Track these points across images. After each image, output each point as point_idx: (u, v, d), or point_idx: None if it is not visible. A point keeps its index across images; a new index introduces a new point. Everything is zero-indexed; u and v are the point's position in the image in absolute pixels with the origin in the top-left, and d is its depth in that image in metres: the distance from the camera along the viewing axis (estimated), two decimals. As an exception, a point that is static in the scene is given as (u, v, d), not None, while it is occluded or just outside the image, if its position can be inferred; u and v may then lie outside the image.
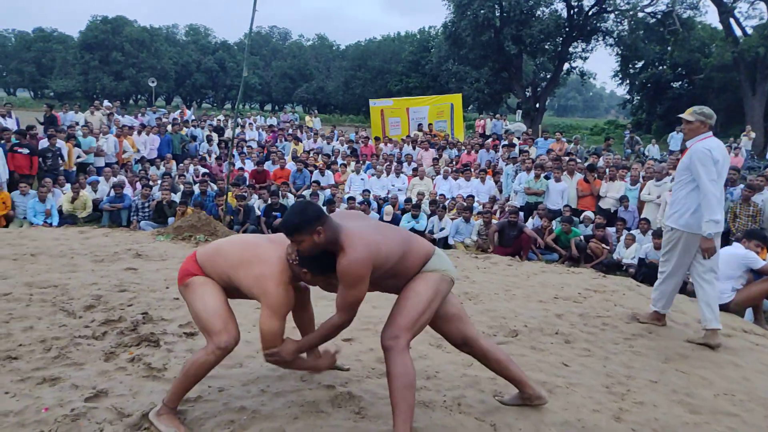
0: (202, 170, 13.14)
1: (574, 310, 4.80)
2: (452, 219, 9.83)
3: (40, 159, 10.99)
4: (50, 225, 9.63)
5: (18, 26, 61.09)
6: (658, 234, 7.04)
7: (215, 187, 10.76)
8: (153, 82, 33.53)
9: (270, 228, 9.90)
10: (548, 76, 34.25)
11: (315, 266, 2.72)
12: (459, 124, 17.76)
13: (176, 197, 10.32)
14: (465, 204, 10.17)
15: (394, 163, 12.68)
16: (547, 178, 10.09)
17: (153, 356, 3.54)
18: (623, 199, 9.46)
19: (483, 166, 13.16)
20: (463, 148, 14.50)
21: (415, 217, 9.78)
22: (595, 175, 9.88)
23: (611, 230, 8.87)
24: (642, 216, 8.93)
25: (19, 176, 10.15)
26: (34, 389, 3.05)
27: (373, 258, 2.60)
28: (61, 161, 11.35)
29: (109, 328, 3.89)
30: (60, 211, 10.08)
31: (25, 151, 10.36)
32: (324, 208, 2.91)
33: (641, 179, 9.72)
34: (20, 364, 3.32)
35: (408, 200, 10.37)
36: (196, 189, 10.76)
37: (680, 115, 4.36)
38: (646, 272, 7.27)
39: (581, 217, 9.36)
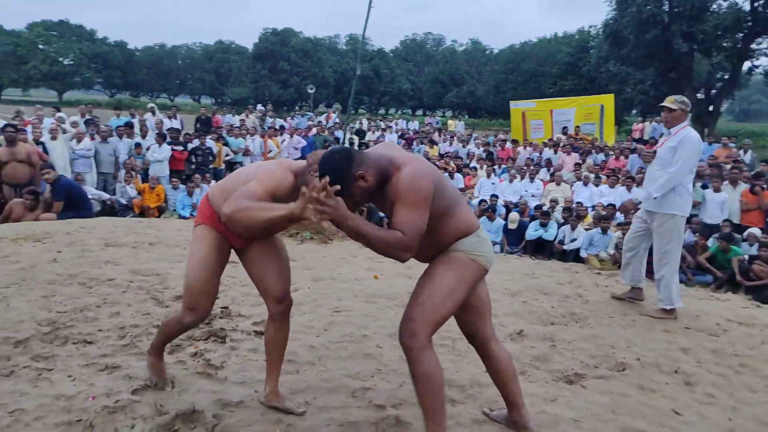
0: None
1: (706, 344, 3.95)
2: (586, 229, 8.92)
3: (192, 156, 11.97)
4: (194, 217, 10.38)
5: (204, 40, 68.68)
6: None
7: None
8: (312, 89, 35.44)
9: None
10: (725, 77, 30.44)
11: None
12: (609, 127, 16.30)
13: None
14: (604, 213, 9.18)
15: (531, 167, 11.92)
16: (704, 187, 8.77)
17: (215, 352, 3.46)
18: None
19: (633, 172, 11.89)
20: (611, 152, 13.22)
21: (543, 225, 9.02)
22: (765, 186, 8.36)
23: (783, 252, 7.41)
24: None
25: (171, 171, 11.08)
26: (92, 375, 3.09)
27: (431, 183, 2.22)
28: (210, 159, 12.26)
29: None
30: (204, 205, 10.84)
31: (179, 148, 11.30)
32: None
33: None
34: (92, 349, 3.41)
35: (538, 206, 9.62)
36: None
37: (662, 104, 4.60)
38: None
39: (744, 234, 7.96)
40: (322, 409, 2.87)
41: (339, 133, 16.83)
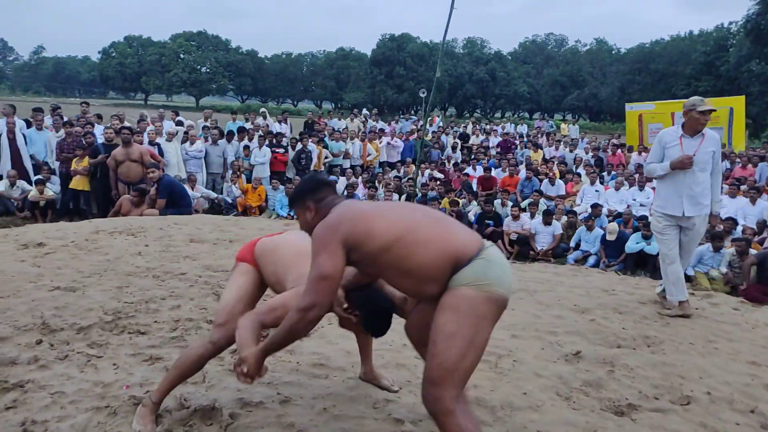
0: (438, 175, 13.37)
1: (801, 384, 3.38)
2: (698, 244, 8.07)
3: (295, 159, 12.45)
4: (292, 217, 10.77)
5: (327, 47, 71.67)
6: None
7: (434, 193, 10.78)
8: (423, 92, 35.46)
9: (481, 236, 9.51)
10: None
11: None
12: (739, 133, 14.66)
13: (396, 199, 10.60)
14: (721, 227, 8.28)
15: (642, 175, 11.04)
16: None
17: (253, 351, 3.51)
18: None
19: (762, 182, 10.64)
20: (738, 160, 11.91)
21: (646, 237, 8.29)
22: None
23: None
24: None
25: (272, 173, 11.58)
26: (135, 365, 3.26)
27: (346, 227, 2.10)
28: (311, 162, 12.67)
29: (237, 317, 4.01)
30: (301, 206, 11.22)
31: (281, 150, 11.80)
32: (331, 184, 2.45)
33: None
34: (142, 340, 3.59)
35: (642, 217, 8.87)
36: (419, 192, 10.95)
37: (703, 109, 4.50)
38: None
39: None
40: (337, 417, 2.80)
41: (444, 138, 16.76)
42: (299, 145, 12.50)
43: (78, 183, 9.63)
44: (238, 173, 11.25)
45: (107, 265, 4.98)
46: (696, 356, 3.74)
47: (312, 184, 2.34)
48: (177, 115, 13.76)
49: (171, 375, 2.69)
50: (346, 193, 11.23)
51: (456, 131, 17.46)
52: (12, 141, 10.11)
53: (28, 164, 10.28)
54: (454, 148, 15.96)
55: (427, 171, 13.53)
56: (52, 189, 10.00)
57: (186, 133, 11.41)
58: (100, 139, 9.83)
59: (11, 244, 5.50)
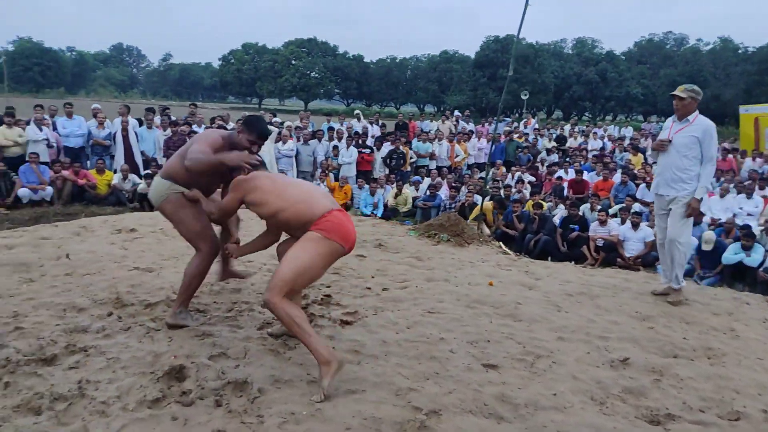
0: (529, 178, 13.07)
1: None
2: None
3: (386, 159, 12.68)
4: (375, 215, 11.00)
5: (431, 51, 72.05)
6: None
7: (516, 194, 10.55)
8: (525, 95, 34.70)
9: (565, 241, 9.21)
10: None
11: None
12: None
13: (478, 200, 10.50)
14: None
15: (755, 182, 10.15)
16: None
17: (295, 335, 3.68)
18: None
19: None
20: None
21: (746, 248, 7.62)
22: None
23: None
24: None
25: (358, 172, 11.88)
26: (187, 339, 3.53)
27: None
28: (402, 162, 12.85)
29: (289, 303, 4.20)
30: (385, 205, 11.42)
31: (367, 150, 12.07)
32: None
33: None
34: (199, 317, 3.87)
35: (745, 226, 8.15)
36: (503, 194, 10.78)
37: (672, 93, 4.83)
38: None
39: None
40: (357, 401, 2.89)
41: (540, 141, 16.33)
42: (389, 145, 12.71)
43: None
44: (326, 172, 11.65)
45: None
46: (760, 372, 3.44)
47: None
48: (274, 116, 14.46)
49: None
50: (428, 193, 11.30)
51: (552, 133, 16.92)
52: (125, 138, 11.15)
53: (139, 160, 11.29)
54: (549, 151, 15.49)
55: (518, 173, 13.26)
56: (159, 183, 10.89)
57: (279, 133, 11.98)
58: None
59: (108, 229, 6.11)
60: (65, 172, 10.37)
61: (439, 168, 13.30)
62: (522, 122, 18.61)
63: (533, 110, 48.28)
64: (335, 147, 12.16)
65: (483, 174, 13.48)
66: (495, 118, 18.17)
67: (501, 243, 6.65)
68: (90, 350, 3.29)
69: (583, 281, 5.21)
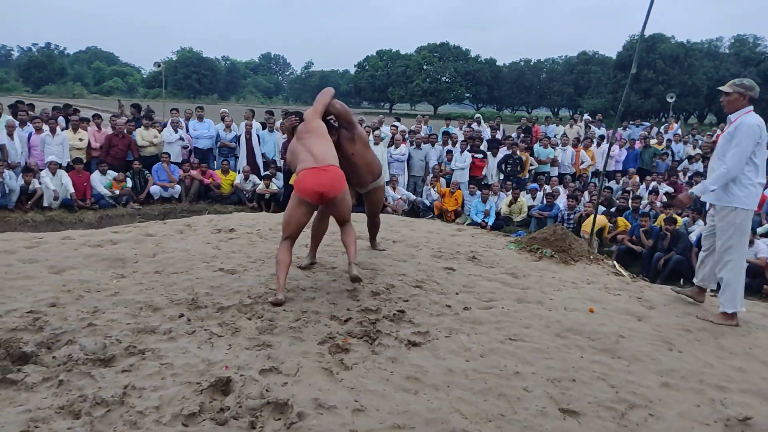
0: (665, 188, 11.82)
1: None
2: None
3: (502, 165, 12.12)
4: (485, 224, 10.50)
5: (569, 53, 68.52)
6: None
7: (647, 206, 9.51)
8: (671, 97, 31.68)
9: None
10: None
11: None
12: None
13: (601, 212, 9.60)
14: None
15: None
16: None
17: (356, 353, 3.42)
18: None
19: None
20: None
21: None
22: None
23: None
24: None
25: (470, 178, 11.42)
26: (244, 349, 3.40)
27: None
28: (519, 168, 12.20)
29: (361, 315, 3.96)
30: (498, 213, 10.86)
31: (479, 155, 11.58)
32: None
33: None
34: (265, 325, 3.74)
35: None
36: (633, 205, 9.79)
37: (719, 88, 4.46)
38: None
39: None
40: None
41: (678, 146, 14.79)
42: (505, 150, 12.12)
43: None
44: (438, 177, 11.33)
45: (275, 253, 5.32)
46: None
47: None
48: (398, 120, 14.40)
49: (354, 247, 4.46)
50: (545, 202, 10.57)
51: (698, 140, 15.19)
52: (248, 141, 11.66)
53: (260, 161, 11.75)
54: (691, 159, 13.92)
55: (653, 183, 12.04)
56: (277, 184, 11.26)
57: (392, 137, 11.87)
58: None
59: (209, 228, 6.28)
60: (193, 172, 11.05)
61: (561, 175, 12.46)
62: (663, 127, 16.95)
63: (681, 114, 44.25)
64: (449, 151, 11.80)
65: (615, 183, 12.44)
66: (631, 122, 16.75)
67: (615, 262, 5.90)
68: (147, 353, 3.27)
69: (707, 312, 4.42)
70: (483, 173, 11.66)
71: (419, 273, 4.99)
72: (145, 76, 78.38)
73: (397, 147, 11.54)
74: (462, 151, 11.57)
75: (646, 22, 6.34)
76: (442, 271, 5.10)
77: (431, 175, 11.55)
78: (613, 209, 10.05)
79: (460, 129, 14.20)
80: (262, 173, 11.47)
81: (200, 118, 11.90)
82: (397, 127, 13.49)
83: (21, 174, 9.46)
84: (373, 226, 5.47)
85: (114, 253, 5.10)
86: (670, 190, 11.75)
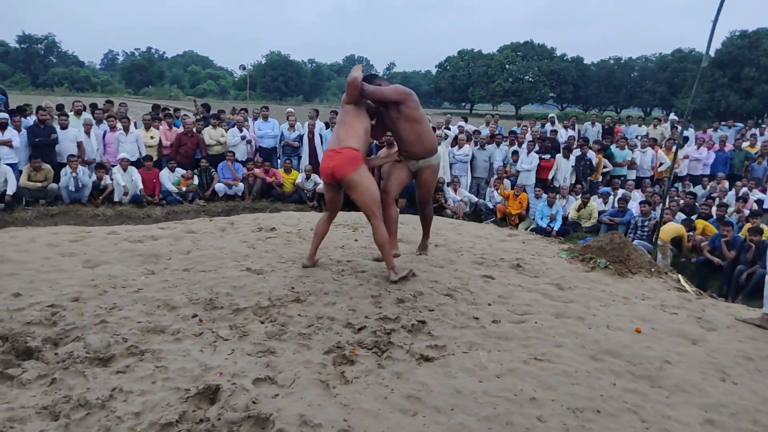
0: (758, 195, 10.75)
1: None
2: None
3: (574, 167, 11.47)
4: (551, 228, 9.94)
5: (662, 50, 64.42)
6: None
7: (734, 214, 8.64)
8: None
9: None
10: None
11: None
12: None
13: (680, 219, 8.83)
14: None
15: None
16: None
17: (361, 365, 3.18)
18: None
19: None
20: None
21: None
22: None
23: None
24: None
25: (537, 180, 10.86)
26: (245, 355, 3.25)
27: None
28: (590, 171, 11.50)
29: (377, 324, 3.72)
30: (565, 218, 10.26)
31: (547, 156, 10.98)
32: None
33: None
34: (275, 330, 3.58)
35: None
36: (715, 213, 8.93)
37: None
38: None
39: None
40: None
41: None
42: (577, 151, 11.44)
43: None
44: (501, 178, 10.86)
45: (305, 254, 5.18)
46: None
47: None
48: (465, 120, 13.99)
49: (384, 253, 4.56)
50: (617, 207, 9.87)
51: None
52: (311, 140, 11.68)
53: (321, 161, 11.73)
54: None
55: (743, 189, 10.97)
56: (336, 184, 11.19)
57: (455, 137, 11.50)
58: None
59: (251, 226, 6.25)
60: (257, 170, 11.19)
61: (639, 179, 11.63)
62: (759, 128, 15.46)
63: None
64: (515, 152, 11.29)
65: (701, 189, 11.45)
66: (723, 123, 15.40)
67: (680, 276, 5.31)
68: (147, 354, 3.19)
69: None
70: (550, 175, 11.03)
71: (453, 280, 4.68)
72: (236, 79, 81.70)
73: (460, 147, 11.17)
74: (528, 152, 11.02)
75: (718, 12, 5.68)
76: (479, 279, 4.75)
77: (495, 176, 11.08)
78: (694, 217, 9.20)
79: (530, 129, 13.58)
80: (324, 173, 11.45)
81: (265, 118, 12.05)
82: (462, 127, 13.09)
83: (94, 170, 9.94)
84: (425, 220, 5.22)
85: (150, 249, 5.15)
86: (763, 197, 10.65)
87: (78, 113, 10.90)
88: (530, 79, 63.39)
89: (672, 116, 16.08)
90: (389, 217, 4.79)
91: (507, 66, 63.73)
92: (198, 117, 12.23)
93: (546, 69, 62.61)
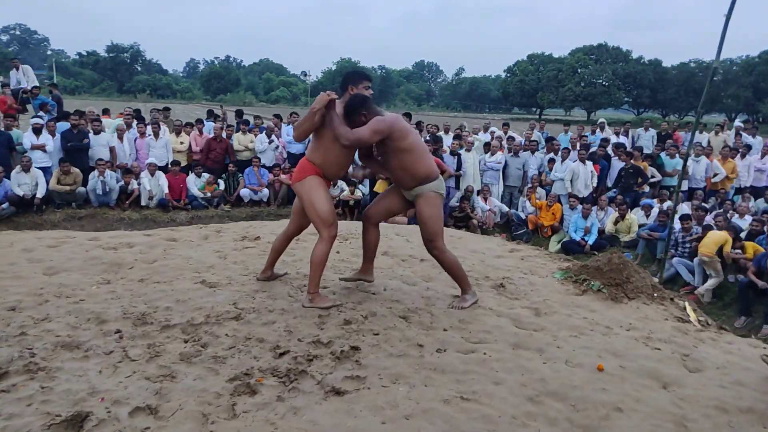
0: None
1: None
2: None
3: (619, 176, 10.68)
4: (585, 242, 9.25)
5: (750, 52, 59.74)
6: None
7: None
8: None
9: None
10: None
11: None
12: None
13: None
14: None
15: None
16: None
17: (261, 396, 2.87)
18: None
19: None
20: None
21: None
22: None
23: None
24: None
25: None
26: (141, 380, 2.99)
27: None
28: (633, 181, 10.64)
29: (305, 349, 3.39)
30: (602, 231, 9.52)
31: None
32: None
33: None
34: (192, 351, 3.33)
35: None
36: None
37: None
38: None
39: None
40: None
41: None
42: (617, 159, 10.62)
43: (380, 187, 10.26)
44: (534, 187, 10.22)
45: (281, 265, 4.91)
46: None
47: (362, 100, 3.97)
48: (507, 126, 13.38)
49: (313, 272, 4.04)
50: (658, 221, 9.03)
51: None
52: (339, 146, 11.46)
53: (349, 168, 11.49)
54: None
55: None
56: (362, 190, 10.94)
57: (488, 143, 10.96)
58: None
59: (237, 235, 6.06)
60: (282, 176, 11.11)
61: (691, 190, 10.66)
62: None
63: None
64: (551, 160, 10.61)
65: (760, 202, 10.36)
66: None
67: (687, 303, 4.63)
68: (41, 373, 3.01)
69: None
70: (566, 184, 10.23)
71: (419, 300, 4.28)
72: (307, 86, 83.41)
73: (492, 154, 10.62)
74: (563, 160, 10.31)
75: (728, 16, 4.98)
76: (450, 299, 4.32)
77: (528, 185, 10.46)
78: (742, 233, 8.25)
79: (578, 135, 12.78)
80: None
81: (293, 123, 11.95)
82: (494, 132, 12.49)
83: (122, 174, 10.15)
84: (442, 266, 4.28)
85: (116, 257, 5.04)
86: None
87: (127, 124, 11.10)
88: (604, 83, 60.78)
89: (737, 122, 14.69)
90: (365, 241, 4.42)
91: (579, 70, 61.42)
92: (220, 123, 12.23)
93: (621, 72, 59.85)
